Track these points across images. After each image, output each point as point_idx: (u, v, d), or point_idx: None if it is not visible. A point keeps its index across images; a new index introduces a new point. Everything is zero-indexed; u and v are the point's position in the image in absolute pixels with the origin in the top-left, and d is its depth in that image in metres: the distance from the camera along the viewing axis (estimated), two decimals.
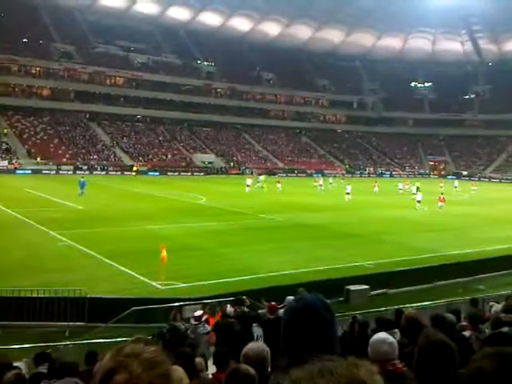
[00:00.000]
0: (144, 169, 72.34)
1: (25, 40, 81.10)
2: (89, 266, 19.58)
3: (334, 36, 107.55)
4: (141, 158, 76.82)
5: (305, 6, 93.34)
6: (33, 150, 69.93)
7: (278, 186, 52.46)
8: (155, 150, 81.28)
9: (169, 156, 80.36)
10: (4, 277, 17.17)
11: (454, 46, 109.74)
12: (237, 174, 77.51)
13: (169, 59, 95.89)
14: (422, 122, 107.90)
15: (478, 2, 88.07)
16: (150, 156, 78.57)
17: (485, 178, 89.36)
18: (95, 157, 73.95)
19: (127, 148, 79.30)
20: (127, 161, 75.48)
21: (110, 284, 17.40)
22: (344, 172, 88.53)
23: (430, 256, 22.96)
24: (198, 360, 5.89)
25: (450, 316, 6.63)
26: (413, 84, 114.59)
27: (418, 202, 40.43)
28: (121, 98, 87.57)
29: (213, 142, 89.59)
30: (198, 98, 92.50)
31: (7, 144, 69.66)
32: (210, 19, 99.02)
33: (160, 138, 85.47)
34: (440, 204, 40.33)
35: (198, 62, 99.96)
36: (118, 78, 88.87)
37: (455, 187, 60.90)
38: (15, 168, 63.59)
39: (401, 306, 11.51)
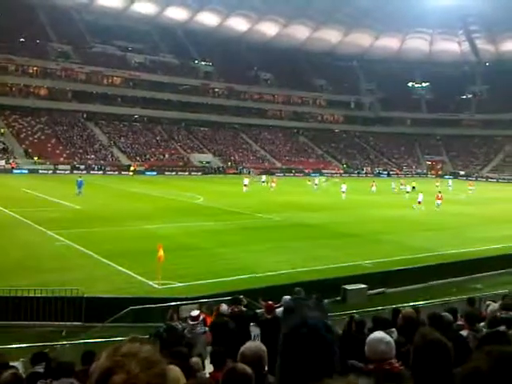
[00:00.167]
0: (141, 168, 72.27)
1: (22, 40, 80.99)
2: (86, 266, 19.56)
3: (331, 36, 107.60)
4: (138, 158, 76.75)
5: (302, 6, 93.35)
6: (30, 150, 69.81)
7: (273, 184, 52.49)
8: (153, 149, 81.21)
9: (166, 156, 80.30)
10: (1, 276, 17.13)
11: (452, 47, 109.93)
12: (234, 173, 77.52)
13: (166, 59, 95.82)
14: (420, 122, 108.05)
15: (475, 2, 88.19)
16: (148, 156, 78.51)
17: (482, 177, 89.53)
18: (92, 156, 73.87)
19: (124, 148, 79.22)
20: (124, 160, 75.38)
21: (107, 283, 17.39)
22: (342, 172, 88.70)
23: (428, 255, 23.05)
24: (195, 359, 5.89)
25: (447, 315, 6.64)
26: (410, 84, 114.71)
27: (419, 202, 40.45)
28: (118, 98, 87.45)
29: (210, 142, 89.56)
30: (196, 97, 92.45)
31: (4, 144, 69.50)
32: (208, 19, 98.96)
33: (157, 138, 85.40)
34: (438, 202, 40.51)
35: (196, 61, 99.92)
36: (115, 78, 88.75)
37: (449, 186, 61.41)
38: (12, 168, 63.47)
39: (399, 306, 11.53)
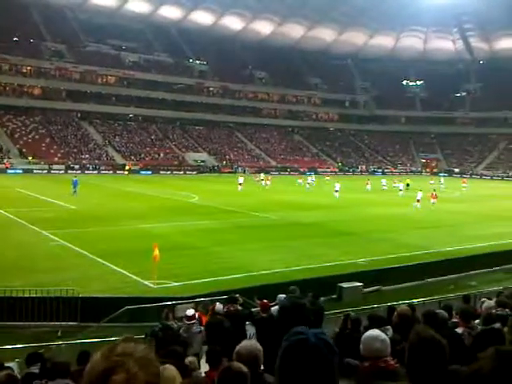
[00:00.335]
0: (136, 168, 72.17)
1: (15, 39, 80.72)
2: (81, 266, 19.52)
3: (326, 35, 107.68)
4: (133, 157, 76.62)
5: (297, 5, 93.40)
6: (24, 150, 69.55)
7: (267, 182, 52.43)
8: (147, 148, 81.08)
9: (161, 155, 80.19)
10: None
11: (446, 45, 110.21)
12: (229, 172, 77.58)
13: (160, 58, 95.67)
14: (414, 120, 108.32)
15: (469, 0, 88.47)
16: (142, 155, 78.39)
17: (477, 175, 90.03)
18: (87, 156, 73.69)
19: (119, 147, 79.05)
20: (119, 160, 75.23)
21: (102, 283, 17.35)
22: (337, 170, 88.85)
23: (423, 253, 23.13)
24: (191, 359, 5.88)
25: (442, 312, 6.66)
26: (404, 82, 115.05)
27: (418, 200, 40.52)
28: (112, 97, 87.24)
29: (205, 141, 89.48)
30: (190, 96, 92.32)
31: None
32: (202, 18, 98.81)
33: (152, 137, 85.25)
34: (432, 201, 40.63)
35: (190, 60, 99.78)
36: (109, 77, 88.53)
37: (441, 184, 61.72)
38: (6, 168, 63.25)
39: (394, 303, 11.56)
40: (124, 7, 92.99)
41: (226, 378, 3.15)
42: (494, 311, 6.58)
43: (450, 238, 27.56)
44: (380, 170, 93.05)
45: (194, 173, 76.01)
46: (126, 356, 1.34)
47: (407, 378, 2.78)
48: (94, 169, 70.10)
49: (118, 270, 18.97)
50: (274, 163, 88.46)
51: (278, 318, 6.59)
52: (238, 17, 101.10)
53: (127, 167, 70.10)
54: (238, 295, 9.56)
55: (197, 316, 9.21)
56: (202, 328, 8.58)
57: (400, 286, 18.77)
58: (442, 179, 68.35)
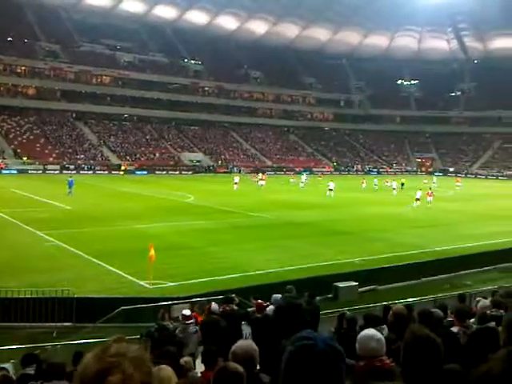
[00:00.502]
0: (132, 168, 72.04)
1: (9, 39, 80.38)
2: (76, 266, 19.46)
3: (320, 34, 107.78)
4: (128, 157, 76.47)
5: (292, 5, 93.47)
6: (19, 150, 69.31)
7: (262, 182, 52.43)
8: (143, 148, 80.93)
9: (156, 155, 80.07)
10: None
11: (440, 44, 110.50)
12: (225, 172, 77.54)
13: (155, 58, 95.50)
14: (409, 120, 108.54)
15: (464, 0, 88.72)
16: (138, 155, 78.24)
17: (471, 174, 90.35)
18: (82, 156, 73.49)
19: (114, 147, 78.88)
20: (114, 160, 75.07)
21: (97, 283, 17.31)
22: (332, 169, 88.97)
23: (419, 252, 23.16)
24: (187, 359, 5.87)
25: (438, 311, 6.67)
26: (399, 82, 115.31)
27: (417, 199, 40.59)
28: (107, 97, 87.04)
29: (200, 141, 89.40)
30: (186, 96, 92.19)
31: None
32: (197, 17, 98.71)
33: (147, 137, 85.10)
34: (429, 198, 40.77)
35: (185, 60, 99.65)
36: (104, 77, 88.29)
37: (433, 183, 61.98)
38: (1, 168, 63.04)
39: (389, 302, 11.57)
40: (118, 7, 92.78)
41: (221, 378, 3.15)
42: (489, 312, 6.60)
43: (446, 237, 27.63)
44: (375, 170, 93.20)
45: (190, 173, 75.95)
46: (121, 356, 1.34)
47: (401, 378, 2.79)
48: (89, 169, 69.92)
49: (114, 270, 18.92)
50: (269, 163, 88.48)
51: (273, 318, 6.59)
52: (233, 16, 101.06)
53: (123, 167, 69.97)
54: (233, 295, 9.56)
55: (193, 317, 9.20)
56: (198, 328, 8.58)
57: (396, 285, 18.81)
58: (435, 178, 68.75)
